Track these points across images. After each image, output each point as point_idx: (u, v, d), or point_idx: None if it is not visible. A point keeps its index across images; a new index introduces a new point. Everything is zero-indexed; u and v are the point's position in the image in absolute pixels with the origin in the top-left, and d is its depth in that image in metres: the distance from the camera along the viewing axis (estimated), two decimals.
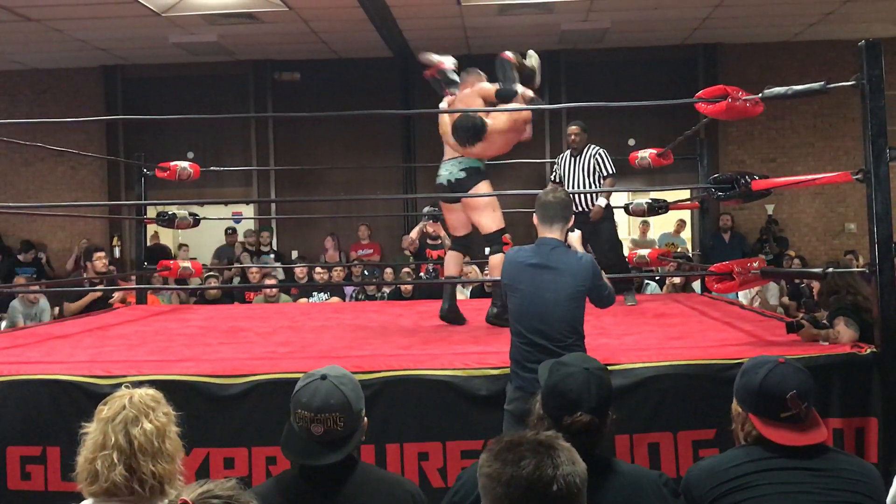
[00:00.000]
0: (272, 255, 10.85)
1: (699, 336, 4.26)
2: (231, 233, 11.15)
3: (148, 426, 2.11)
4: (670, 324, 4.82)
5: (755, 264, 4.69)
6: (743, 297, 7.67)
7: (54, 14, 9.23)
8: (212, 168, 8.14)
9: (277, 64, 11.70)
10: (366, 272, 9.85)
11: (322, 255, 10.97)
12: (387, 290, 8.50)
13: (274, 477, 2.24)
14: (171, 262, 6.78)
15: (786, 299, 8.79)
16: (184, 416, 2.27)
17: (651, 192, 7.52)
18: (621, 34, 10.69)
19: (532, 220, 3.36)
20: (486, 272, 7.77)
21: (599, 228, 6.03)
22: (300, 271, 8.73)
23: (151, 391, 2.22)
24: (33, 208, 10.46)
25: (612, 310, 3.76)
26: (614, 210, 6.31)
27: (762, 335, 4.07)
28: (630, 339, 4.18)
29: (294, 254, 11.48)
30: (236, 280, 9.78)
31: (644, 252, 6.98)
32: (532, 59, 5.01)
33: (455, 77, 5.06)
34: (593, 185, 6.12)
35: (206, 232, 10.84)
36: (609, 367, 2.91)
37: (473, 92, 4.78)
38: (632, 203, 6.55)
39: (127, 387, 2.23)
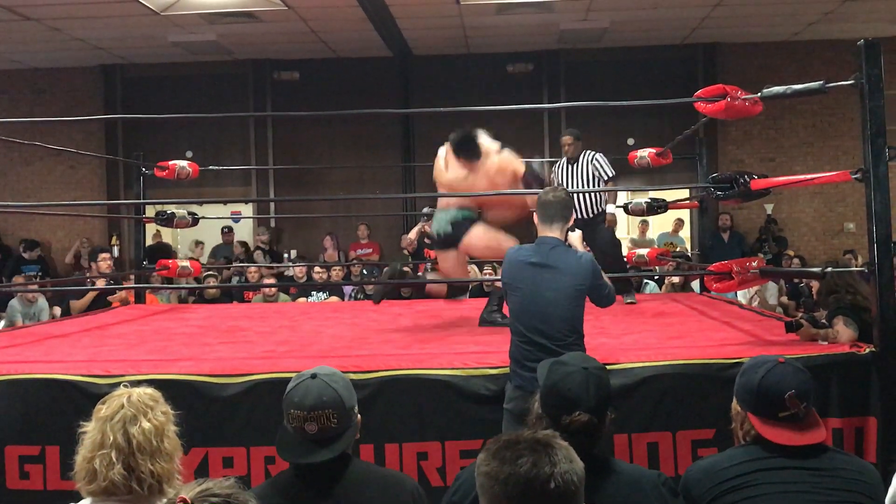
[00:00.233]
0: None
1: (698, 336, 4.25)
2: (227, 231, 11.14)
3: (146, 425, 2.11)
4: (669, 323, 4.81)
5: (754, 264, 4.69)
6: (742, 296, 7.67)
7: (53, 13, 9.23)
8: (211, 167, 8.12)
9: (276, 63, 11.69)
10: (365, 272, 9.83)
11: (321, 254, 10.97)
12: None
13: (270, 479, 2.24)
14: (170, 261, 6.78)
15: (785, 299, 8.79)
16: (182, 415, 2.27)
17: (650, 192, 7.49)
18: (620, 34, 10.68)
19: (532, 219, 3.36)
20: (485, 271, 7.77)
21: (599, 229, 6.02)
22: (299, 270, 8.75)
23: (150, 390, 2.22)
24: (32, 207, 10.45)
25: (611, 309, 3.76)
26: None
27: (761, 335, 4.07)
28: (629, 339, 4.17)
29: (293, 253, 11.48)
30: (235, 280, 9.77)
31: (643, 251, 6.97)
32: None
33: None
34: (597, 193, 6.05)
35: (206, 231, 10.86)
36: (608, 367, 2.91)
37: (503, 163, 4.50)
38: (631, 202, 6.55)
39: (125, 386, 2.23)
